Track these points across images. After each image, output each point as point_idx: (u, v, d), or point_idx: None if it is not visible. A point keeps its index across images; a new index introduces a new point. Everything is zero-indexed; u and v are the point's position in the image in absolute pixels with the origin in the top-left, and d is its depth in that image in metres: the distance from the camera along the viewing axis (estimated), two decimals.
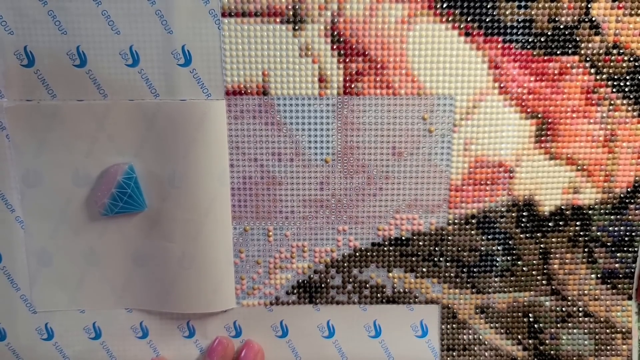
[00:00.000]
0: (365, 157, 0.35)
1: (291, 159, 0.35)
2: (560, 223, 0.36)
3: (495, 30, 0.33)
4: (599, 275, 0.37)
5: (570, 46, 0.34)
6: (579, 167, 0.35)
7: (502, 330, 0.38)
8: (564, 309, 0.38)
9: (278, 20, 0.33)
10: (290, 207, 0.36)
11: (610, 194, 0.36)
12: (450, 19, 0.33)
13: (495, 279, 0.37)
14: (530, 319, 0.38)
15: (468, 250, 0.37)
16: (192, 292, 0.36)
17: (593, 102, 0.34)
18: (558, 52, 0.34)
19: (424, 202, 0.36)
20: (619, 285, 0.37)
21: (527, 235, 0.36)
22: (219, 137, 0.34)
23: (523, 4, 0.33)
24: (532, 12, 0.33)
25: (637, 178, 0.36)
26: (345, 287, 0.37)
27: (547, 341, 0.38)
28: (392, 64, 0.34)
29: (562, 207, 0.36)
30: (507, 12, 0.33)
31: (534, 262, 0.37)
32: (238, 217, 0.36)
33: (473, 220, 0.36)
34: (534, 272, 0.37)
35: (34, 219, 0.35)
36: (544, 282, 0.37)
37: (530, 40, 0.33)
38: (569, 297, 0.37)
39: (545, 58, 0.34)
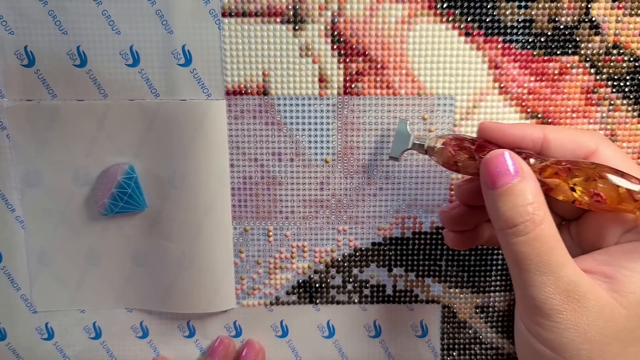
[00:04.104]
0: (365, 157, 0.35)
1: (291, 159, 0.35)
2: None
3: (495, 30, 0.33)
4: None
5: (570, 46, 0.34)
6: None
7: (502, 330, 0.38)
8: None
9: (278, 20, 0.33)
10: (291, 207, 0.36)
11: None
12: (450, 19, 0.33)
13: (496, 279, 0.37)
14: None
15: (468, 250, 0.37)
16: (192, 292, 0.36)
17: (593, 102, 0.34)
18: (558, 52, 0.34)
19: (424, 202, 0.36)
20: None
21: None
22: (219, 137, 0.34)
23: (523, 4, 0.33)
24: (532, 12, 0.33)
25: None
26: (345, 287, 0.37)
27: None
28: (392, 64, 0.34)
29: None
30: (507, 12, 0.33)
31: None
32: (238, 217, 0.36)
33: None
34: None
35: (34, 218, 0.35)
36: None
37: (530, 40, 0.33)
38: None
39: (545, 58, 0.34)
